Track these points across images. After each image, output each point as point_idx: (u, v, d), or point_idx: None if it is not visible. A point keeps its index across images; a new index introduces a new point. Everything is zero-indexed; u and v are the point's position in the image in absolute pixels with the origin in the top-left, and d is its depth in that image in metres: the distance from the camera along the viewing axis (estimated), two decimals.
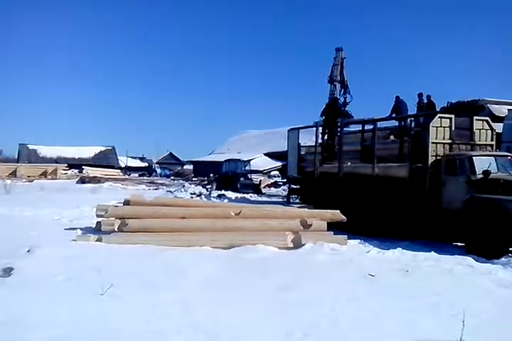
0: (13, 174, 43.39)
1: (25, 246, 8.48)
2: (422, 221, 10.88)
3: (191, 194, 25.80)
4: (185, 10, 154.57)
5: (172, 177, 57.55)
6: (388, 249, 9.48)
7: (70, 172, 50.38)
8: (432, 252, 9.31)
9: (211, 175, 40.29)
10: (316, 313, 5.34)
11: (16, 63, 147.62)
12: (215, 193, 26.19)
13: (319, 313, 5.34)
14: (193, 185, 33.66)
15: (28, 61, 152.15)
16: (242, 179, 31.42)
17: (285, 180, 28.88)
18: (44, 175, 45.52)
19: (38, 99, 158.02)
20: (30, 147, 65.66)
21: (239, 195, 25.08)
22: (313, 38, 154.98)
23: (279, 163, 49.23)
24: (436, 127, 11.48)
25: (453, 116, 11.79)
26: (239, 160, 36.18)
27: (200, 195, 25.24)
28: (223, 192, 26.71)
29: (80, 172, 49.73)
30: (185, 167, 79.19)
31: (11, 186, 23.58)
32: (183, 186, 32.42)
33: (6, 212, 13.93)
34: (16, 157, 66.70)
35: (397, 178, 11.98)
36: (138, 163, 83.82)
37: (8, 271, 6.74)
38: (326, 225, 10.06)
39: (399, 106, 16.05)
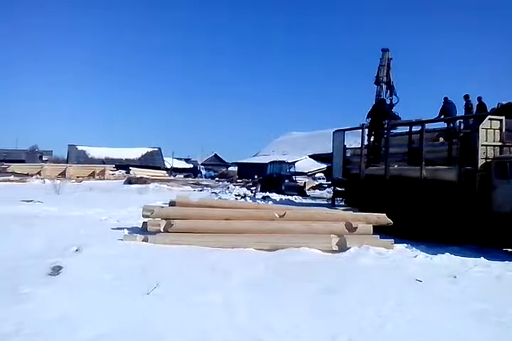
0: (63, 174, 44.55)
1: (74, 245, 8.68)
2: (471, 225, 10.57)
3: (236, 195, 25.87)
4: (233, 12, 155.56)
5: (217, 179, 57.94)
6: (436, 254, 9.25)
7: (117, 172, 51.38)
8: (482, 258, 9.03)
9: (256, 176, 40.38)
10: (362, 317, 5.25)
11: (64, 66, 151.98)
12: (259, 195, 26.18)
13: (364, 318, 5.25)
14: (237, 187, 33.76)
15: (78, 64, 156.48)
16: (286, 181, 31.28)
17: (330, 183, 28.66)
18: (92, 175, 46.59)
19: (87, 101, 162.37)
20: (79, 148, 67.28)
21: (283, 197, 24.98)
22: (361, 39, 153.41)
23: (324, 165, 48.95)
24: (486, 129, 11.14)
25: (503, 117, 11.42)
26: (284, 161, 36.09)
27: (244, 196, 25.28)
28: (268, 193, 26.65)
29: (127, 173, 50.66)
30: (229, 168, 79.70)
31: (60, 186, 24.21)
32: (228, 188, 32.56)
33: (56, 212, 14.31)
34: (66, 158, 68.53)
35: (445, 181, 11.68)
36: (183, 165, 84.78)
37: (57, 270, 6.90)
38: (371, 228, 9.90)
39: (447, 108, 15.69)
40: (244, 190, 29.87)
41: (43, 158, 77.59)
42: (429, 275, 7.42)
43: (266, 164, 35.95)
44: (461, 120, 13.94)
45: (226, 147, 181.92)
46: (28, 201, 17.82)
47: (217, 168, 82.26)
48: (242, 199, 22.71)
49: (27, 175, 42.28)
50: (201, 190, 32.26)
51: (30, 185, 32.55)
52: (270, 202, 20.09)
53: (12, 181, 35.16)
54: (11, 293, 5.60)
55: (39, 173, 43.84)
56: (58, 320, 4.79)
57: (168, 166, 71.24)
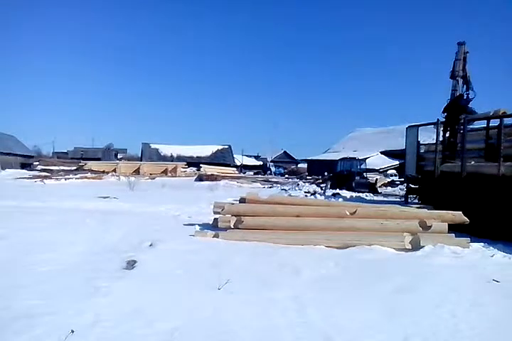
0: (137, 171, 46.04)
1: (147, 240, 8.96)
2: None
3: (305, 192, 25.80)
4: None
5: (286, 176, 58.13)
6: None
7: (188, 170, 52.56)
8: None
9: (326, 173, 40.14)
10: (436, 318, 5.08)
11: (134, 67, 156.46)
12: (329, 192, 25.99)
13: (439, 318, 5.07)
14: (307, 184, 33.69)
15: (146, 65, 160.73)
16: (357, 178, 30.89)
17: (402, 179, 28.06)
18: (165, 172, 47.86)
19: (160, 101, 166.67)
20: (153, 146, 69.27)
21: (354, 194, 24.66)
22: (435, 33, 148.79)
23: (396, 162, 48.03)
24: None
25: None
26: (354, 158, 35.61)
27: (314, 193, 25.16)
28: (338, 191, 26.43)
29: (197, 170, 51.72)
30: (299, 165, 79.67)
31: (134, 183, 25.01)
32: (297, 184, 32.55)
33: (130, 208, 14.80)
34: (140, 155, 70.76)
35: None
36: (253, 162, 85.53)
37: (131, 264, 7.14)
38: (446, 227, 9.58)
39: None
40: (314, 187, 29.76)
41: (118, 156, 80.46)
42: (507, 276, 7.07)
43: (336, 161, 35.60)
44: None
45: (296, 144, 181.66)
46: (104, 197, 18.55)
47: (286, 165, 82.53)
48: (312, 196, 22.61)
49: (103, 172, 43.99)
50: (271, 187, 32.41)
51: (106, 181, 33.86)
52: (340, 199, 19.91)
53: (89, 178, 36.68)
54: (89, 286, 5.83)
55: (114, 170, 45.52)
56: (134, 312, 4.93)
57: (238, 163, 72.09)
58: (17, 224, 10.47)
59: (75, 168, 50.55)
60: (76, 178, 35.69)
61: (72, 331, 4.23)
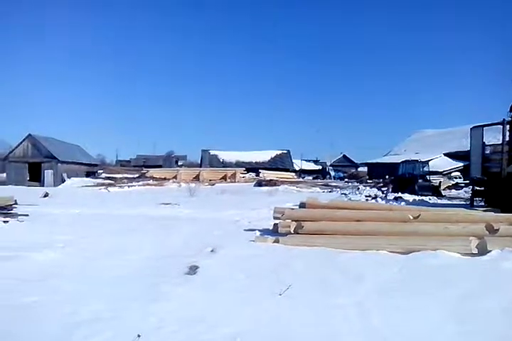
0: (197, 178, 46.69)
1: (209, 245, 9.08)
2: None
3: (366, 196, 25.44)
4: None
5: (346, 180, 57.56)
6: None
7: (247, 175, 52.83)
8: None
9: (387, 177, 39.42)
10: (505, 326, 4.86)
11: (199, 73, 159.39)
12: (391, 196, 25.53)
13: (508, 326, 4.86)
14: (367, 188, 33.23)
15: (211, 70, 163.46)
16: (420, 181, 30.14)
17: (467, 182, 27.21)
18: (224, 178, 48.30)
19: (220, 108, 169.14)
20: (212, 152, 70.12)
21: (416, 198, 24.07)
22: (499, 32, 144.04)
23: (460, 164, 46.61)
24: None
25: None
26: (416, 161, 34.79)
27: (375, 197, 24.77)
28: (400, 194, 25.90)
29: (256, 175, 51.93)
30: (359, 169, 78.66)
31: (194, 189, 25.37)
32: (358, 188, 32.17)
33: (191, 214, 15.03)
34: (199, 162, 71.80)
35: None
36: (312, 166, 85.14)
37: (194, 269, 7.24)
38: None
39: None
40: (374, 191, 29.33)
41: (179, 163, 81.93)
42: None
43: (398, 164, 34.88)
44: None
45: (355, 147, 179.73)
46: (166, 204, 18.94)
47: (346, 169, 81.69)
48: (373, 200, 22.28)
49: (164, 179, 44.92)
50: (330, 191, 32.18)
51: (167, 188, 34.57)
52: (403, 203, 19.50)
53: (151, 185, 37.57)
54: (152, 291, 5.96)
55: (175, 177, 46.37)
56: (196, 317, 4.99)
57: (297, 168, 71.94)
58: (85, 231, 10.84)
59: (137, 175, 51.85)
60: (139, 185, 36.66)
61: (139, 335, 4.33)
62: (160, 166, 70.68)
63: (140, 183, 38.74)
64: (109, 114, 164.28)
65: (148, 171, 51.76)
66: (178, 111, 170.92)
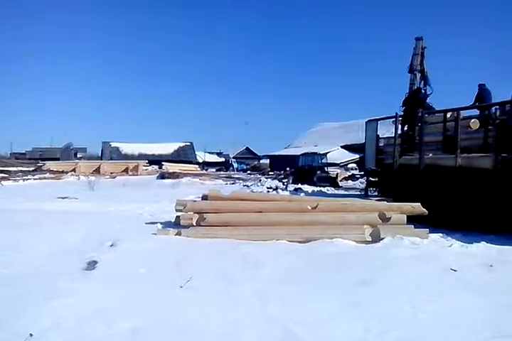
0: (97, 171, 45.18)
1: (108, 240, 8.82)
2: (507, 213, 10.32)
3: (268, 188, 25.84)
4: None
5: (248, 172, 58.24)
6: (472, 243, 9.01)
7: (150, 168, 51.91)
8: None
9: (287, 168, 40.36)
10: (395, 308, 5.17)
11: (95, 63, 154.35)
12: (291, 187, 26.13)
13: (398, 308, 5.17)
14: (269, 179, 33.76)
15: (108, 62, 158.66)
16: (318, 172, 31.16)
17: (363, 173, 28.45)
18: (126, 171, 47.10)
19: (119, 98, 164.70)
20: (113, 144, 68.22)
21: (315, 189, 24.85)
22: (393, 27, 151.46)
23: (357, 156, 48.70)
24: None
25: None
26: (315, 153, 35.90)
27: (276, 188, 25.23)
28: (300, 185, 26.59)
29: (159, 168, 51.17)
30: (261, 161, 79.97)
31: (94, 182, 24.58)
32: (260, 180, 32.59)
33: (90, 208, 14.54)
34: (100, 154, 69.64)
35: (481, 169, 11.42)
36: (215, 158, 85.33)
37: (92, 264, 7.04)
38: (405, 218, 9.76)
39: (483, 95, 15.32)
40: (276, 183, 29.86)
41: (78, 156, 78.94)
42: (464, 265, 7.25)
43: (298, 156, 35.84)
44: (498, 106, 13.57)
45: (258, 140, 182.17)
46: (63, 198, 18.18)
47: (249, 161, 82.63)
48: (274, 192, 22.69)
49: (62, 172, 43.05)
50: (233, 183, 32.40)
51: (65, 182, 33.16)
52: (302, 194, 20.01)
53: (48, 178, 35.90)
54: (48, 288, 5.72)
55: (74, 170, 44.60)
56: (95, 313, 4.87)
57: (201, 160, 71.75)
58: None
59: (33, 168, 49.37)
60: (35, 179, 34.91)
61: (31, 334, 4.17)
62: (58, 159, 67.62)
63: (36, 177, 36.87)
64: (2, 104, 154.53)
65: (44, 164, 49.33)
66: (77, 102, 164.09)
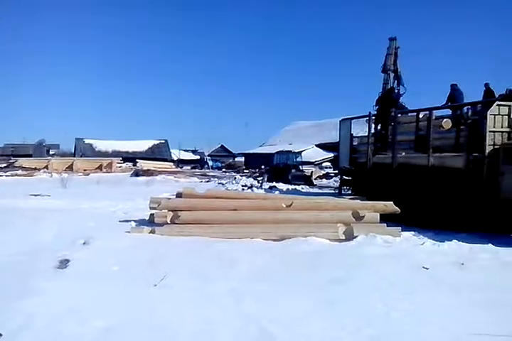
0: (70, 168, 44.52)
1: (81, 238, 8.72)
2: (479, 212, 10.52)
3: (242, 186, 25.83)
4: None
5: (223, 170, 58.05)
6: (443, 241, 9.19)
7: (124, 165, 51.36)
8: (489, 244, 8.90)
9: (262, 166, 40.36)
10: (369, 306, 5.23)
11: (68, 59, 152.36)
12: (266, 185, 26.15)
13: (371, 307, 5.22)
14: (244, 177, 33.74)
15: (82, 58, 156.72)
16: (293, 170, 31.23)
17: (337, 172, 28.60)
18: (99, 168, 46.53)
19: (93, 95, 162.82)
20: (86, 141, 67.26)
21: (290, 187, 24.94)
22: (366, 27, 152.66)
23: (331, 154, 48.88)
24: (494, 115, 11.04)
25: None
26: (290, 151, 35.98)
27: (251, 186, 25.23)
28: (274, 184, 26.62)
29: (134, 165, 50.69)
30: (236, 159, 79.75)
31: (67, 180, 24.25)
32: (235, 178, 32.56)
33: (63, 205, 14.36)
34: (73, 151, 68.64)
35: (453, 168, 11.61)
36: (190, 156, 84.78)
37: (65, 263, 6.95)
38: (378, 217, 9.87)
39: (455, 95, 15.55)
40: (251, 181, 29.86)
41: (50, 152, 77.67)
42: (436, 263, 7.39)
43: (272, 154, 35.85)
44: (469, 106, 13.80)
45: (233, 138, 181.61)
46: (35, 195, 17.90)
47: (224, 159, 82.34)
48: (249, 190, 22.68)
49: (34, 169, 42.39)
50: (208, 181, 32.31)
51: (37, 179, 32.65)
52: (277, 192, 20.09)
53: (20, 175, 35.35)
54: (19, 287, 5.62)
55: (46, 167, 43.88)
56: (67, 312, 4.81)
57: (175, 158, 71.21)
58: None
59: (5, 165, 48.50)
60: (6, 176, 34.35)
61: (1, 334, 4.07)
62: (30, 156, 66.45)
63: (8, 173, 36.28)
64: None
65: (17, 160, 48.51)
66: (50, 99, 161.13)
